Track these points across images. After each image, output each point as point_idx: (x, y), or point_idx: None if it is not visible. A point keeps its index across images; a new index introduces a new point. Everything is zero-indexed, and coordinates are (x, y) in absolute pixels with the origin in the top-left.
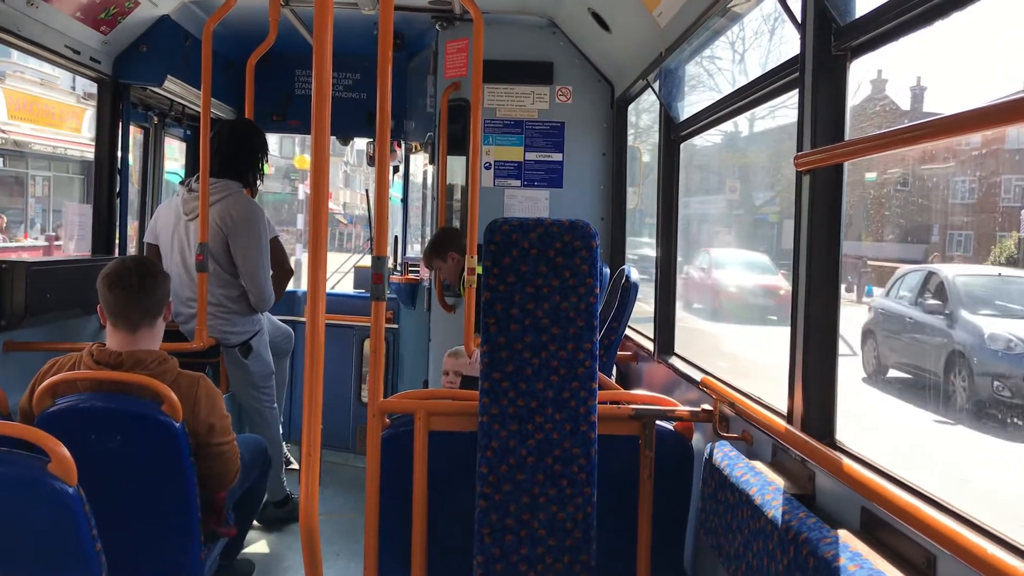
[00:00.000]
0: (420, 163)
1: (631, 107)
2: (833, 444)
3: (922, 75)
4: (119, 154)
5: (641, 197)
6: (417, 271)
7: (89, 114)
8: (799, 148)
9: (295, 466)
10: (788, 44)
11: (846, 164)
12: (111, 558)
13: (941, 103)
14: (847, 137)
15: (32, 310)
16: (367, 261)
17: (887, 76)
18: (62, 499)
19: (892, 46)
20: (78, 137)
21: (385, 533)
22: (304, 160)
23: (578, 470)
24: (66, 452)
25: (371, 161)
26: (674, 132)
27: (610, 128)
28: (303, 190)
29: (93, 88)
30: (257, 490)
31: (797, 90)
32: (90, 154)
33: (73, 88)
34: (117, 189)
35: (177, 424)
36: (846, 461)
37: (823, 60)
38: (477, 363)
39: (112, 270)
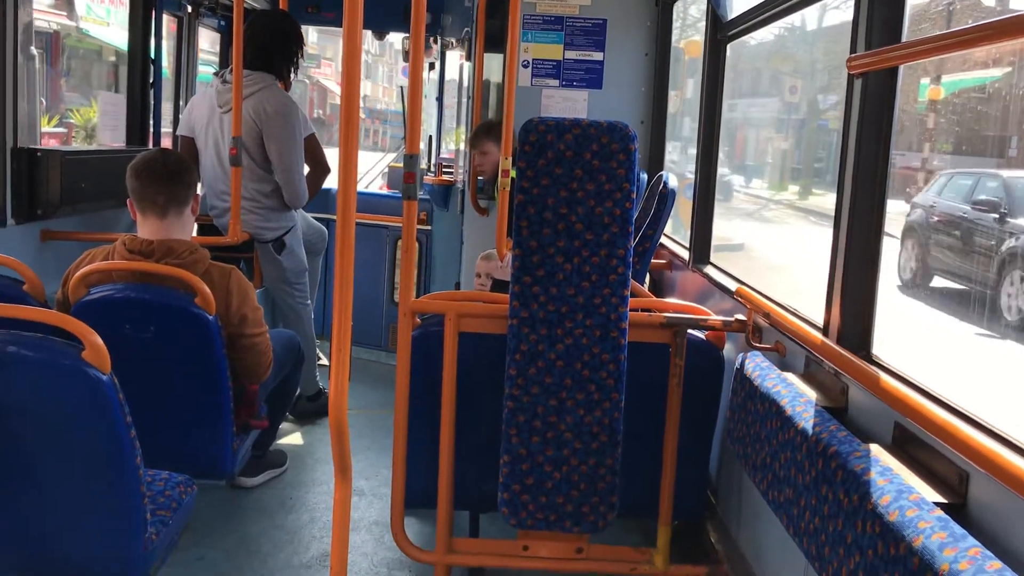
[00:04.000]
0: (456, 60)
1: (676, 5)
2: (869, 358)
3: None
4: (152, 44)
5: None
6: (451, 172)
7: None
8: (852, 49)
9: (325, 362)
10: None
11: (902, 68)
12: (145, 447)
13: None
14: (904, 39)
15: (67, 199)
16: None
17: None
18: (96, 386)
19: None
20: None
21: (414, 429)
22: None
23: (607, 376)
24: (100, 340)
25: (406, 57)
26: (721, 32)
27: (654, 27)
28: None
29: None
30: (290, 384)
31: None
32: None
33: None
34: (151, 80)
35: (210, 317)
36: (881, 375)
37: None
38: (509, 267)
39: (138, 159)
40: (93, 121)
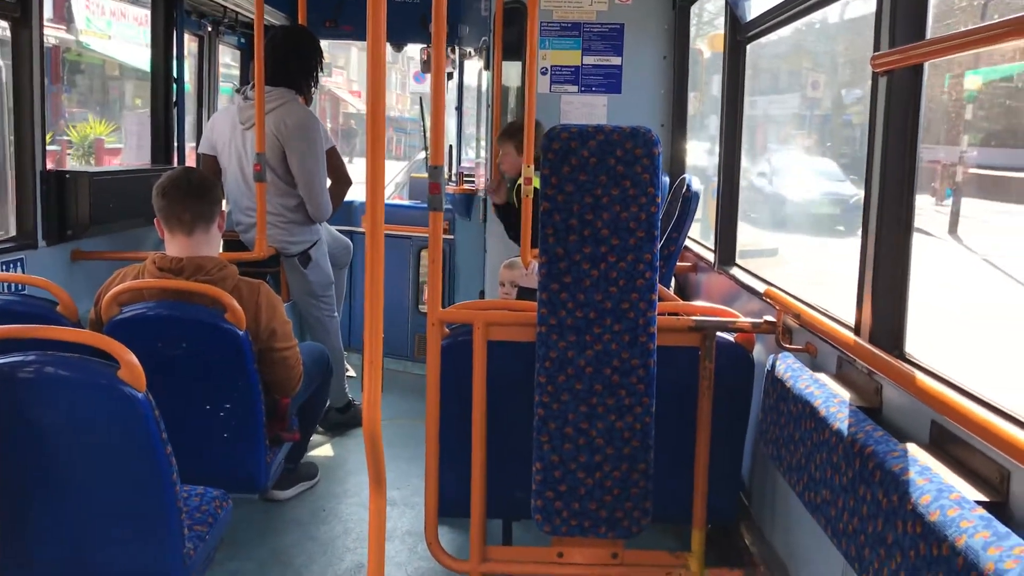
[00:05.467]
0: (474, 70)
1: (694, 7)
2: (903, 356)
3: None
4: (174, 63)
5: (702, 101)
6: (472, 181)
7: None
8: (876, 48)
9: (352, 374)
10: None
11: (927, 65)
12: (180, 462)
13: None
14: (929, 35)
15: (96, 219)
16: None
17: None
18: (132, 404)
19: None
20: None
21: (445, 438)
22: None
23: (636, 380)
24: (134, 358)
25: (425, 67)
26: (740, 33)
27: (671, 30)
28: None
29: None
30: (320, 396)
31: None
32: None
33: None
34: (174, 99)
35: (241, 332)
36: (916, 373)
37: None
38: (533, 274)
39: (163, 178)
40: (91, 138)
